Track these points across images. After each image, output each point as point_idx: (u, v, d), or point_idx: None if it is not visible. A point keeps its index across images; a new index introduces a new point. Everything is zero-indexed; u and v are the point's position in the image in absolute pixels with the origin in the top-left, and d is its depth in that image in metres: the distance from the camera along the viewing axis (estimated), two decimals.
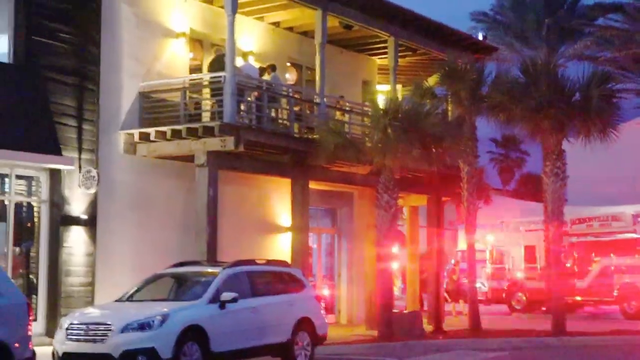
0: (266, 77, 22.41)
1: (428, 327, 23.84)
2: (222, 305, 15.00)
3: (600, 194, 40.57)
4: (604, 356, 19.43)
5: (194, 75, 21.69)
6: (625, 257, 30.96)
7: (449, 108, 25.70)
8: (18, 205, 18.87)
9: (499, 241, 35.78)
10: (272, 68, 22.63)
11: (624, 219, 32.40)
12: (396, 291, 31.12)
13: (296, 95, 23.05)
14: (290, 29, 24.80)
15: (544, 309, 30.79)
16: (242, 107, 20.95)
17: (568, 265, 31.09)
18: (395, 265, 27.36)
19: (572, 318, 25.89)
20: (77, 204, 19.27)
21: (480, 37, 29.40)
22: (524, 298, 34.00)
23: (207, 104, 21.26)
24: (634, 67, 32.05)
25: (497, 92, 23.58)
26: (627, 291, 30.59)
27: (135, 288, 16.27)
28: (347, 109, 24.11)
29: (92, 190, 19.32)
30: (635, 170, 41.79)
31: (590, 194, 41.42)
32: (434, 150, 22.05)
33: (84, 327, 14.29)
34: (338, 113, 23.77)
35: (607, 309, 32.59)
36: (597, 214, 33.65)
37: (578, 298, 31.78)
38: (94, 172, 19.29)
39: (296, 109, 22.59)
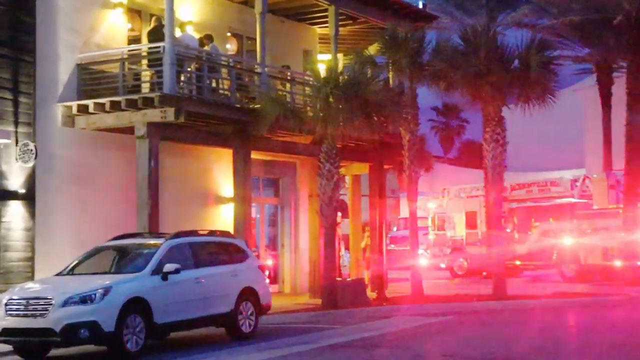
0: (205, 47, 22.20)
1: (371, 295, 24.04)
2: (165, 276, 14.97)
3: (539, 160, 41.19)
4: (543, 318, 19.83)
5: (133, 46, 21.43)
6: (563, 221, 31.50)
7: (390, 76, 25.76)
8: None
9: (441, 208, 36.15)
10: (209, 38, 22.40)
11: (562, 184, 32.98)
12: (341, 260, 31.25)
13: (237, 66, 22.91)
14: None
15: (485, 274, 31.27)
16: (182, 77, 20.77)
17: (508, 230, 31.57)
18: (338, 234, 27.48)
19: (512, 282, 26.35)
20: (14, 178, 18.99)
21: (421, 6, 29.46)
22: (466, 263, 34.50)
23: (146, 75, 21.03)
24: (571, 34, 32.46)
25: (438, 60, 23.70)
26: (566, 255, 31.18)
27: (76, 262, 16.13)
28: (289, 78, 24.04)
29: (30, 164, 19.03)
30: (572, 136, 42.49)
31: (530, 160, 42.03)
32: (375, 118, 22.16)
33: (23, 302, 14.16)
34: (280, 83, 23.69)
35: (547, 273, 33.21)
36: (536, 179, 34.18)
37: (518, 262, 32.32)
38: (31, 146, 18.99)
39: (237, 79, 22.46)
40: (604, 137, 34.77)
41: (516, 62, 23.47)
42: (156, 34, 20.74)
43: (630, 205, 28.46)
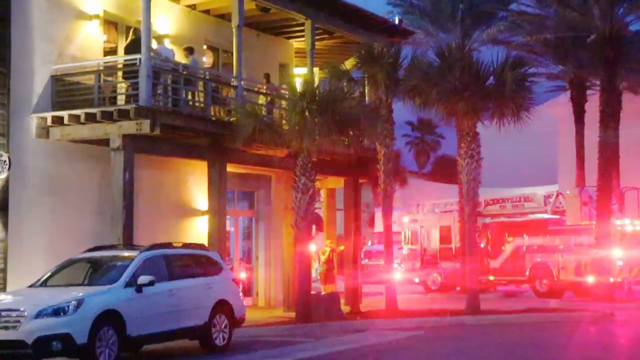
0: (185, 60, 22.20)
1: (345, 308, 24.06)
2: (139, 289, 14.92)
3: (513, 176, 41.46)
4: (516, 333, 19.92)
5: (109, 58, 21.37)
6: (536, 237, 31.69)
7: (366, 91, 25.88)
8: None
9: (415, 223, 36.24)
10: (190, 51, 22.43)
11: (536, 199, 33.15)
12: (314, 273, 31.26)
13: (213, 78, 22.91)
14: (207, 11, 24.60)
15: (458, 288, 31.36)
16: (158, 90, 20.74)
17: (482, 245, 31.70)
18: (313, 248, 27.51)
19: (486, 297, 26.46)
20: None
21: (397, 21, 29.63)
22: (439, 278, 34.58)
23: (122, 87, 20.98)
24: (545, 52, 32.74)
25: (413, 76, 23.83)
26: (539, 270, 31.35)
27: (49, 274, 16.05)
28: (265, 91, 24.08)
29: (3, 176, 18.91)
30: (546, 153, 42.79)
31: (504, 175, 42.29)
32: (351, 133, 22.23)
33: None
34: (261, 96, 23.74)
35: (520, 288, 33.37)
36: (509, 195, 34.36)
37: (491, 278, 32.46)
38: (5, 157, 18.88)
39: (214, 92, 22.46)
40: (577, 153, 35.07)
41: (491, 78, 23.62)
42: (134, 46, 20.69)
43: (602, 222, 28.67)
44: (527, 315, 23.45)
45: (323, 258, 26.83)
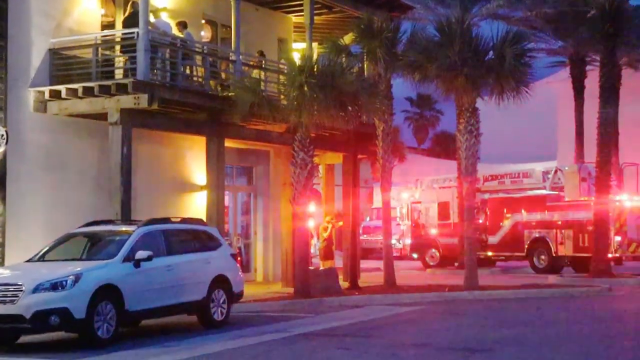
0: (179, 34, 22.07)
1: (344, 284, 24.08)
2: (137, 263, 14.90)
3: (512, 152, 41.41)
4: (514, 309, 19.96)
5: (107, 32, 21.24)
6: (535, 212, 31.70)
7: (365, 66, 25.76)
8: None
9: (414, 198, 36.24)
10: (183, 25, 22.25)
11: (534, 175, 33.14)
12: (313, 249, 31.28)
13: (211, 53, 22.78)
14: None
15: (457, 264, 31.41)
16: (156, 63, 20.63)
17: (480, 221, 31.71)
18: (311, 223, 27.49)
19: (484, 273, 26.49)
20: None
21: None
22: (438, 254, 34.63)
23: (120, 61, 20.86)
24: (545, 27, 32.62)
25: (413, 51, 23.71)
26: (537, 246, 31.40)
27: (47, 248, 16.02)
28: (264, 66, 23.97)
29: (1, 150, 18.83)
30: (546, 128, 42.75)
31: (503, 151, 42.24)
32: (349, 108, 22.12)
33: None
34: (255, 71, 23.61)
35: (518, 264, 33.44)
36: (508, 170, 34.34)
37: (490, 253, 32.51)
38: (2, 131, 18.80)
39: (212, 67, 22.35)
40: (576, 129, 35.04)
41: (491, 53, 23.51)
42: (132, 20, 20.55)
43: (601, 197, 28.67)
44: (525, 290, 23.50)
45: (325, 234, 26.79)
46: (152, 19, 21.39)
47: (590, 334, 15.38)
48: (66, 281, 13.87)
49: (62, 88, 19.69)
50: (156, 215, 18.03)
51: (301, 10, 25.76)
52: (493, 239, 32.52)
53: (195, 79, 22.11)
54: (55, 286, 13.83)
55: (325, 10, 26.64)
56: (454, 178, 32.35)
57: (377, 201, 35.48)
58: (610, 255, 28.88)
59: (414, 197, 36.28)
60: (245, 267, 25.56)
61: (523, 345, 14.11)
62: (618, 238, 29.58)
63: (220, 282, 16.77)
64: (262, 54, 24.77)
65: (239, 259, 19.67)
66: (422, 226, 35.47)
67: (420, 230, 35.49)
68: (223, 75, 23.12)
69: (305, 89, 21.22)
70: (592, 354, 13.10)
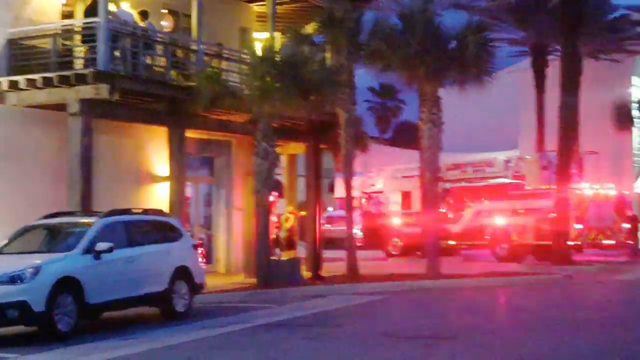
0: (141, 23, 21.86)
1: (307, 274, 24.07)
2: (97, 255, 14.74)
3: (474, 141, 41.61)
4: (476, 296, 20.08)
5: (66, 21, 21.00)
6: (497, 201, 31.90)
7: (328, 56, 25.69)
8: None
9: (376, 188, 36.29)
10: (144, 14, 22.03)
11: (496, 164, 33.35)
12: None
13: (173, 42, 22.59)
14: None
15: (419, 253, 31.53)
16: (117, 53, 20.42)
17: (442, 210, 31.85)
18: (274, 214, 27.40)
19: (446, 262, 26.60)
20: None
21: None
22: (400, 243, 34.74)
23: (80, 50, 20.62)
24: (507, 16, 32.75)
25: (375, 40, 23.71)
26: (499, 235, 31.62)
27: (6, 241, 15.82)
28: (226, 56, 23.82)
29: None
30: (507, 118, 43.00)
31: (466, 141, 42.42)
32: (312, 97, 22.07)
33: None
34: (216, 61, 23.45)
35: (480, 252, 33.64)
36: (470, 160, 34.52)
37: (452, 242, 32.66)
38: None
39: (173, 57, 22.16)
40: (538, 118, 35.26)
41: (453, 43, 23.59)
42: (93, 11, 20.29)
43: (562, 186, 28.92)
44: (487, 279, 23.64)
45: (287, 225, 26.71)
46: (113, 8, 21.17)
47: (556, 321, 15.50)
48: (25, 274, 13.68)
49: (20, 78, 19.45)
50: (118, 206, 17.81)
51: (263, 0, 25.61)
52: (455, 228, 32.68)
53: (156, 69, 21.92)
54: (13, 279, 13.63)
55: (287, 0, 26.52)
56: (415, 167, 32.44)
57: (340, 191, 35.53)
58: (570, 243, 29.15)
59: (376, 186, 36.33)
60: (208, 258, 25.45)
61: (487, 332, 14.19)
62: (579, 226, 29.85)
63: (182, 273, 16.66)
64: (220, 45, 24.59)
65: (200, 250, 19.55)
66: (384, 215, 35.54)
67: (377, 219, 35.51)
68: (184, 65, 22.94)
69: (267, 79, 21.15)
70: (556, 340, 13.20)
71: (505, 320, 15.79)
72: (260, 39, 26.32)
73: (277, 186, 28.13)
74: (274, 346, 13.26)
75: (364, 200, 36.24)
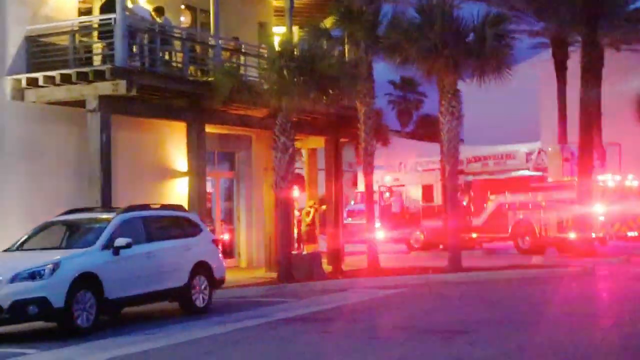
0: (157, 19, 21.87)
1: (327, 268, 24.03)
2: (116, 251, 14.77)
3: (495, 133, 41.36)
4: (498, 289, 19.94)
5: (84, 18, 21.04)
6: (519, 194, 31.70)
7: (346, 49, 25.63)
8: None
9: (397, 181, 36.19)
10: (160, 11, 22.00)
11: (518, 156, 33.09)
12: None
13: (190, 38, 22.60)
14: None
15: (441, 247, 31.40)
16: (134, 50, 20.45)
17: (464, 203, 31.70)
18: (295, 208, 27.39)
19: (468, 255, 26.49)
20: None
21: None
22: (422, 237, 34.62)
23: (98, 47, 20.67)
24: (527, 8, 32.49)
25: (394, 33, 23.61)
26: (521, 227, 31.42)
27: (26, 237, 15.88)
28: (244, 50, 23.80)
29: None
30: (528, 110, 42.71)
31: (486, 133, 42.19)
32: (330, 91, 22.02)
33: None
34: (234, 56, 23.43)
35: (502, 245, 33.46)
36: (492, 152, 34.30)
37: (474, 235, 32.51)
38: None
39: (191, 52, 22.16)
40: (559, 110, 34.98)
41: (472, 35, 23.45)
42: (109, 6, 20.34)
43: (584, 178, 28.70)
44: (509, 272, 23.48)
45: (308, 219, 26.67)
46: (129, 4, 21.20)
47: (571, 314, 15.37)
48: (44, 270, 13.72)
49: (39, 75, 19.49)
50: (137, 202, 17.87)
51: None
52: (477, 221, 32.51)
53: (174, 64, 21.93)
54: (33, 275, 13.69)
55: None
56: (436, 160, 32.30)
57: (361, 185, 35.41)
58: (593, 235, 28.93)
59: (397, 180, 36.22)
60: (229, 252, 25.50)
61: (505, 326, 14.09)
62: (601, 218, 29.61)
63: (202, 268, 16.66)
64: (237, 40, 24.60)
65: (220, 245, 19.56)
66: (406, 209, 35.43)
67: (403, 213, 35.44)
68: (203, 61, 22.93)
69: (285, 73, 21.11)
70: (575, 333, 13.08)
71: (524, 314, 15.66)
72: (278, 33, 26.31)
73: (298, 180, 28.08)
74: (293, 340, 13.23)
75: (387, 194, 36.13)
